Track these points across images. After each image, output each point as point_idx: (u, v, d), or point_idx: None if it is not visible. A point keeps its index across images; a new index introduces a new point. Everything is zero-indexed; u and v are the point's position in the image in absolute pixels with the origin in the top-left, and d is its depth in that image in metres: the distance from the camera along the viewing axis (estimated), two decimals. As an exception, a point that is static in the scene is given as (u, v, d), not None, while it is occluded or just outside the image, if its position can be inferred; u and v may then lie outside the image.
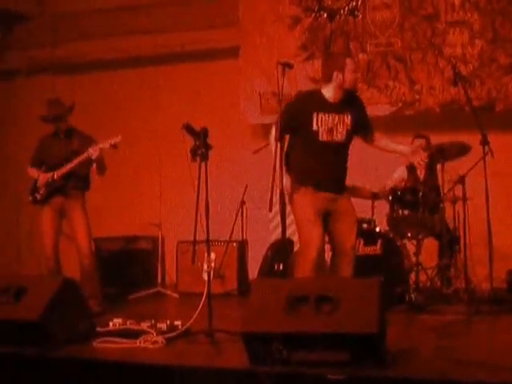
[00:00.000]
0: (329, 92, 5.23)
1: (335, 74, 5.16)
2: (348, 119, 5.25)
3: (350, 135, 5.30)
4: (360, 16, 7.84)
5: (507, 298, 6.38)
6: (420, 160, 5.46)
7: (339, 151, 5.30)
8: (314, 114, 5.17)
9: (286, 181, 5.13)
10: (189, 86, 8.76)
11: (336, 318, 3.97)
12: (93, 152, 6.14)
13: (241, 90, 8.20)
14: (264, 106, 7.94)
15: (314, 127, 5.16)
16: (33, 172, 6.57)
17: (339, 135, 5.22)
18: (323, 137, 5.18)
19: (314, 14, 7.97)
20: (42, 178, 6.41)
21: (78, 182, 6.44)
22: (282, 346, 3.97)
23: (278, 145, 4.98)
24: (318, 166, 5.21)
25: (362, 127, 5.40)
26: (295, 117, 5.22)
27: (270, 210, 4.81)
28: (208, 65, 8.64)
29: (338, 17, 7.90)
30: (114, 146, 6.17)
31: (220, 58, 8.51)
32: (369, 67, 7.75)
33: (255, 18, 8.18)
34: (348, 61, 5.25)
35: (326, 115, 5.18)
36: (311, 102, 5.25)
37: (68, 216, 6.46)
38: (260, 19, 8.17)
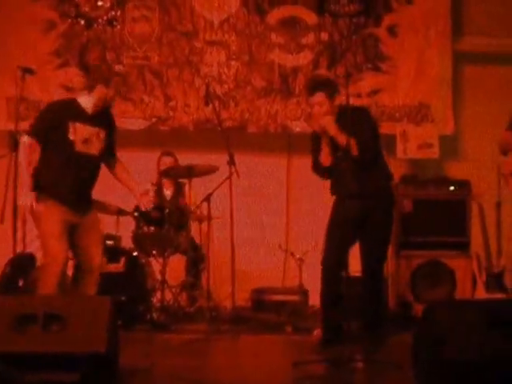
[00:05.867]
0: (88, 103, 5.10)
1: (99, 86, 5.06)
2: (102, 134, 5.15)
3: (102, 151, 5.18)
4: (118, 26, 7.66)
5: (249, 317, 6.47)
6: (146, 204, 5.40)
7: (93, 166, 5.18)
8: (70, 123, 4.99)
9: (28, 193, 4.90)
10: None
11: (64, 337, 3.82)
12: None
13: (-14, 94, 7.66)
14: (11, 112, 7.47)
15: (71, 136, 4.98)
16: None
17: (94, 148, 5.09)
18: (78, 147, 5.01)
19: (70, 20, 7.65)
20: None
21: None
22: (7, 366, 3.72)
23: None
24: (69, 179, 5.03)
25: (109, 148, 5.29)
26: (50, 125, 5.01)
27: (1, 222, 4.57)
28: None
29: (95, 25, 7.65)
30: None
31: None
32: (124, 80, 7.58)
33: (7, 18, 7.66)
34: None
35: (82, 125, 5.03)
36: (68, 110, 5.07)
37: None
38: (12, 20, 7.68)
